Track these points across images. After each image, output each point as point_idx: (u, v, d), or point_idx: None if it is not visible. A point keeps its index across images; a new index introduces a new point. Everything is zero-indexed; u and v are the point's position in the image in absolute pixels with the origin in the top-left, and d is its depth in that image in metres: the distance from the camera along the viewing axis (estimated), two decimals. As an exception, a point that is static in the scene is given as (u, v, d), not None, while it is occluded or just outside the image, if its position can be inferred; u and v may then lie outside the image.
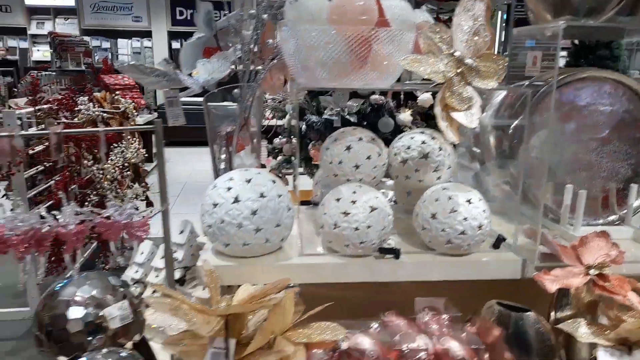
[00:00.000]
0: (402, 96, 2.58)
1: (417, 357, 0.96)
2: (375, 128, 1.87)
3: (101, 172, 3.03)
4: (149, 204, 3.31)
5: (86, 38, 6.96)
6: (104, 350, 0.98)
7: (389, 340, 1.00)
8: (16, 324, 3.03)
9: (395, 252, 1.07)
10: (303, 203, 1.34)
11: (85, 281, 1.07)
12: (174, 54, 8.16)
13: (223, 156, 1.29)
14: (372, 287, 1.10)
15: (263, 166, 1.49)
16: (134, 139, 3.32)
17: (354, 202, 1.04)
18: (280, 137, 2.25)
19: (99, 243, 2.66)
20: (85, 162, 2.91)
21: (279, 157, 2.27)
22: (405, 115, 1.99)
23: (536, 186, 1.17)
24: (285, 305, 0.95)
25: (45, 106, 2.77)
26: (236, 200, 1.02)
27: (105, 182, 3.04)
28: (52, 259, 3.02)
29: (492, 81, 1.02)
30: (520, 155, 1.20)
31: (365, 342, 0.98)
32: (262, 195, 1.03)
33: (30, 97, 3.11)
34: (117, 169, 3.15)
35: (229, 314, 0.90)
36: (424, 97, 2.59)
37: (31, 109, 2.82)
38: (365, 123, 1.87)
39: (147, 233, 1.05)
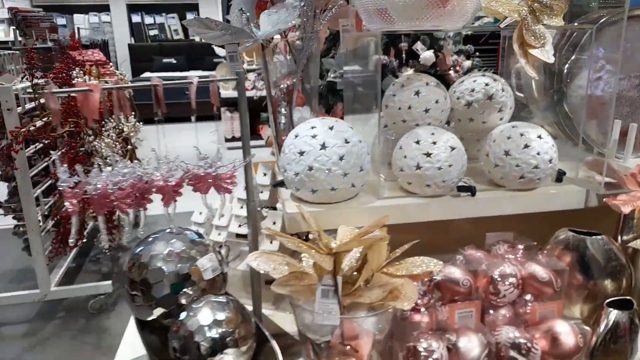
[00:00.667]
0: (404, 55, 2.61)
1: (508, 282, 1.03)
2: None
3: (102, 146, 2.95)
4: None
5: (43, 14, 6.60)
6: (203, 300, 1.00)
7: (476, 269, 1.06)
8: (26, 307, 2.98)
9: (471, 190, 1.12)
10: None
11: (169, 238, 1.08)
12: (134, 28, 7.88)
13: (283, 110, 1.30)
14: (442, 225, 1.15)
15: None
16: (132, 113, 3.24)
17: (434, 142, 1.08)
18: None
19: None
20: (86, 136, 2.84)
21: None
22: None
23: (599, 118, 1.23)
24: (382, 243, 0.99)
25: (41, 80, 2.66)
26: (323, 147, 1.04)
27: (107, 156, 2.97)
28: (59, 237, 2.96)
29: (559, 19, 1.07)
30: (572, 94, 1.26)
31: (456, 272, 1.04)
32: (346, 141, 1.06)
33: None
34: (116, 143, 3.07)
35: (337, 251, 0.93)
36: (426, 56, 2.63)
37: (27, 83, 2.70)
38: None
39: (234, 185, 1.06)
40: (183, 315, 0.97)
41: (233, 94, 4.69)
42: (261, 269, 0.99)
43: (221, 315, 0.95)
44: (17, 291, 2.91)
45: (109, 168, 0.95)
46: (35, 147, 2.75)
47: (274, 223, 1.21)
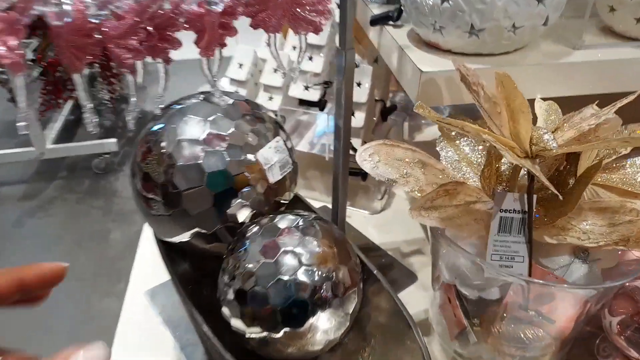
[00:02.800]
0: None
1: None
2: None
3: None
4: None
5: None
6: (276, 218, 0.58)
7: None
8: (24, 166, 2.61)
9: None
10: None
11: (208, 111, 0.61)
12: None
13: None
14: None
15: None
16: None
17: None
18: None
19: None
20: None
21: None
22: None
23: None
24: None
25: None
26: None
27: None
28: (48, 88, 2.48)
29: None
30: None
31: None
32: None
33: None
34: None
35: (543, 154, 0.47)
36: None
37: None
38: None
39: (327, 16, 0.56)
40: (243, 247, 0.55)
41: None
42: (382, 176, 0.55)
43: (311, 249, 0.53)
44: (10, 148, 2.53)
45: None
46: None
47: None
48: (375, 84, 0.87)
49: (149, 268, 0.82)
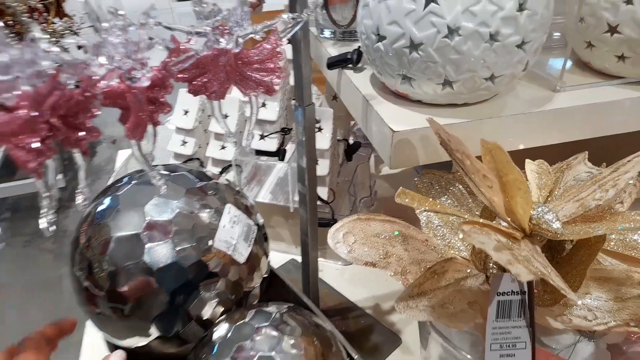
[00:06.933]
0: None
1: None
2: None
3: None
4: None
5: None
6: (247, 315, 0.49)
7: None
8: None
9: None
10: None
11: (137, 193, 0.52)
12: None
13: None
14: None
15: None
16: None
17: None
18: None
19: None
20: (-14, -16, 2.02)
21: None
22: None
23: None
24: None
25: None
26: (481, -20, 0.45)
27: (23, 14, 2.18)
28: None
29: None
30: None
31: None
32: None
33: None
34: (32, -7, 2.26)
35: (539, 234, 0.41)
36: None
37: None
38: None
39: (282, 75, 0.47)
40: (212, 352, 0.46)
41: None
42: (360, 260, 0.47)
43: (291, 352, 0.45)
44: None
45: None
46: None
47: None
48: (337, 126, 0.79)
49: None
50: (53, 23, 2.40)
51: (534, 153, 0.54)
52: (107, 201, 0.53)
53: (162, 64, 0.39)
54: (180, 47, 0.40)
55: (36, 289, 2.01)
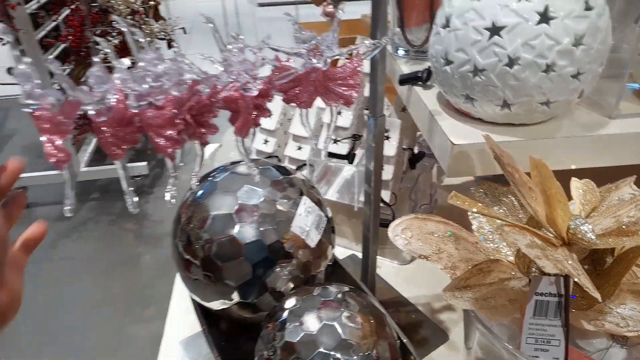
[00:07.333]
0: None
1: None
2: None
3: (119, 2, 2.39)
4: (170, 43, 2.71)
5: None
6: (314, 292, 0.58)
7: None
8: (58, 188, 2.69)
9: None
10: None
11: (232, 180, 0.63)
12: None
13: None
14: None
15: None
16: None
17: None
18: None
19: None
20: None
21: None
22: None
23: None
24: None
25: None
26: (544, 18, 0.51)
27: (127, 17, 2.42)
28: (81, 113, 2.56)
29: None
30: None
31: None
32: (587, 7, 0.52)
33: None
34: (135, -4, 2.49)
35: (576, 242, 0.47)
36: None
37: None
38: None
39: (358, 89, 0.56)
40: (283, 318, 0.56)
41: None
42: (415, 252, 0.55)
43: (351, 324, 0.53)
44: (45, 171, 2.62)
45: (126, 62, 0.46)
46: (39, 1, 2.21)
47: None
48: (403, 136, 0.87)
49: (183, 315, 0.83)
50: (150, 25, 2.64)
51: (585, 173, 0.59)
52: (206, 186, 0.64)
53: (268, 78, 0.49)
54: (283, 65, 0.49)
55: (117, 264, 2.23)
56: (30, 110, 0.41)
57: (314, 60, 0.53)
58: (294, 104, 0.56)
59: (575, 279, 0.40)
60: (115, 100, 0.45)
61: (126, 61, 0.43)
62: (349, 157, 0.86)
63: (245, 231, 0.59)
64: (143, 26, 2.51)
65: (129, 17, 2.40)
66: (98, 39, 0.43)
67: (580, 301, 0.52)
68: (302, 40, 0.51)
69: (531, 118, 0.58)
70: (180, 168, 0.49)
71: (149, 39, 2.56)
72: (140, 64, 0.42)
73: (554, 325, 0.51)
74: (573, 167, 0.58)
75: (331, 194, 0.94)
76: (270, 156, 0.95)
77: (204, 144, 0.52)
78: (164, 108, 0.44)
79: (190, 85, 0.43)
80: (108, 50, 0.42)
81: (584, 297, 0.52)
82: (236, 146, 0.55)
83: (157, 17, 2.82)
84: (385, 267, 0.91)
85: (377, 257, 0.82)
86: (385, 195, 0.86)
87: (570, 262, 0.43)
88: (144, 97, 0.47)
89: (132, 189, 0.49)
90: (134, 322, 1.89)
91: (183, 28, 2.83)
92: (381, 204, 0.86)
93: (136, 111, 0.47)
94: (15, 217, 0.45)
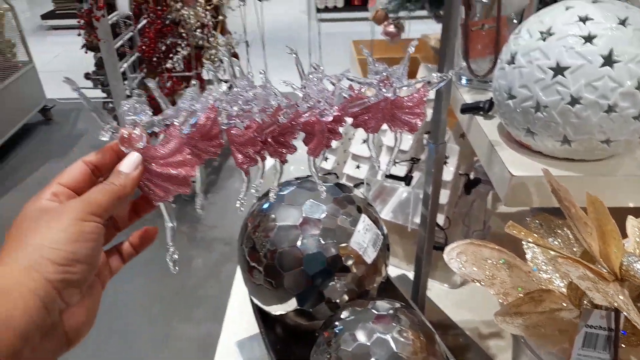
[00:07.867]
0: None
1: None
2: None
3: (190, 15, 2.53)
4: (234, 55, 2.83)
5: None
6: (368, 306, 0.62)
7: None
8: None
9: None
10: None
11: (298, 194, 0.68)
12: None
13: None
14: None
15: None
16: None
17: None
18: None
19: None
20: (173, 2, 2.42)
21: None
22: None
23: None
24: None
25: None
26: (608, 61, 0.53)
27: (196, 29, 2.56)
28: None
29: None
30: None
31: None
32: (652, 50, 0.54)
33: None
34: (205, 12, 2.63)
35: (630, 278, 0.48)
36: None
37: None
38: None
39: (422, 118, 0.60)
40: (339, 327, 0.60)
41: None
42: (469, 276, 0.57)
43: (403, 339, 0.57)
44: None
45: (224, 87, 0.52)
46: (118, 13, 2.39)
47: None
48: (460, 162, 0.90)
49: (240, 317, 0.88)
50: (217, 38, 2.78)
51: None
52: (274, 196, 0.69)
53: (342, 106, 0.53)
54: (357, 94, 0.54)
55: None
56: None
57: (384, 90, 0.57)
58: (362, 128, 0.61)
59: (626, 314, 0.42)
60: (205, 116, 0.51)
61: (224, 86, 0.49)
62: (406, 179, 0.90)
63: (308, 243, 0.64)
64: (211, 39, 2.65)
65: (197, 30, 2.54)
66: (206, 61, 0.49)
67: (630, 337, 0.53)
68: (375, 72, 0.55)
69: (591, 155, 0.60)
70: (261, 185, 0.54)
71: (214, 51, 2.70)
72: (235, 89, 0.48)
73: (603, 358, 0.52)
74: (631, 205, 0.60)
75: (385, 213, 0.98)
76: (329, 173, 0.99)
77: (283, 162, 0.57)
78: (248, 129, 0.50)
79: (274, 111, 0.49)
80: (212, 71, 0.48)
81: (634, 334, 0.53)
82: (308, 165, 0.60)
83: (223, 30, 2.97)
84: (435, 290, 0.93)
85: (428, 278, 0.85)
86: (440, 218, 0.89)
87: (621, 297, 0.44)
88: (233, 117, 0.53)
89: (204, 189, 0.55)
90: (183, 321, 1.98)
91: (246, 41, 2.96)
92: (435, 228, 0.88)
93: (224, 128, 0.53)
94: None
